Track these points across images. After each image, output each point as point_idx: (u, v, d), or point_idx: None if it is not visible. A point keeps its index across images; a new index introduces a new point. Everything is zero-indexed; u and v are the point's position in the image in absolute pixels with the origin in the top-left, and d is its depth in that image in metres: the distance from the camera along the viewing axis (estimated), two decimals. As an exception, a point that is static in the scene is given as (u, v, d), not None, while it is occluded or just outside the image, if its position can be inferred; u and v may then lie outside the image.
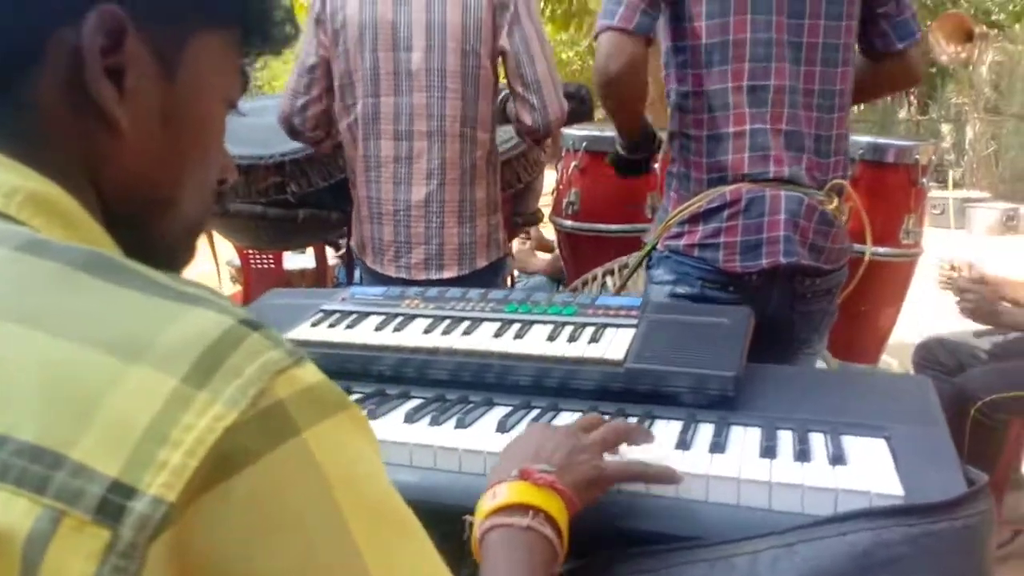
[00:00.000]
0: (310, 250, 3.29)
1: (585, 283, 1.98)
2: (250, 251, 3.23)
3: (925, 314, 2.38)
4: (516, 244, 3.22)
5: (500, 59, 1.72)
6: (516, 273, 3.04)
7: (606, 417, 0.86)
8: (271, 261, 3.21)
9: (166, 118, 0.50)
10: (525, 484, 0.67)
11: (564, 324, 1.05)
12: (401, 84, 1.70)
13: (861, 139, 2.09)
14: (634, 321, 1.03)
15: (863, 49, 1.51)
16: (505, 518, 0.66)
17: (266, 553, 0.37)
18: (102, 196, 0.49)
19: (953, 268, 2.07)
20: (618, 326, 1.03)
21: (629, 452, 0.80)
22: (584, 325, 1.04)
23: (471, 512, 0.80)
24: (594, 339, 1.00)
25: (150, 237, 0.53)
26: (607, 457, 0.77)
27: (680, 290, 1.45)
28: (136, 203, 0.51)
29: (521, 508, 0.66)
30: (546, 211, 2.65)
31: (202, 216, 0.56)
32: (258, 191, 2.36)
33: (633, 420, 0.90)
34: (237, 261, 3.38)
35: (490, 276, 1.82)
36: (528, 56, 1.68)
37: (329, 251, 3.23)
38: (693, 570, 0.70)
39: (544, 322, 1.06)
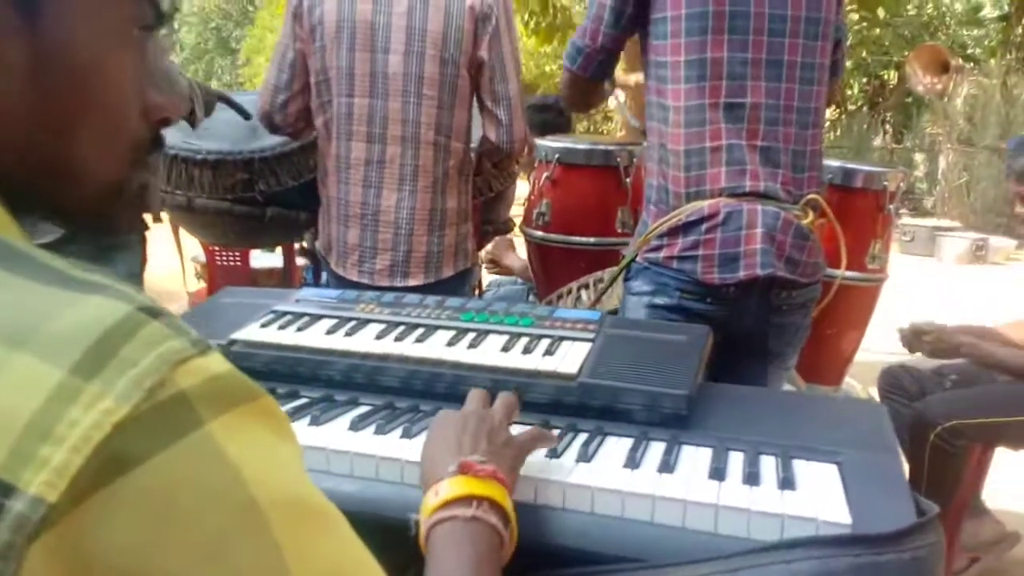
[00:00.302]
0: (279, 249, 3.24)
1: (560, 296, 1.97)
2: (216, 248, 3.18)
3: (889, 339, 2.39)
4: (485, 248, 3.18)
5: (479, 68, 1.71)
6: (485, 282, 3.02)
7: (581, 437, 0.88)
8: (238, 259, 3.17)
9: (36, 72, 0.44)
10: (467, 477, 0.67)
11: (520, 335, 1.02)
12: (377, 86, 1.68)
13: (831, 163, 2.09)
14: (591, 335, 1.01)
15: None
16: (449, 511, 0.64)
17: (168, 554, 0.34)
18: None
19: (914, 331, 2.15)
20: (575, 339, 1.01)
21: (577, 472, 0.78)
22: (540, 337, 1.02)
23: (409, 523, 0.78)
24: (549, 351, 0.98)
25: (63, 208, 0.49)
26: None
27: (658, 301, 1.46)
28: (28, 174, 0.45)
29: (465, 500, 0.65)
30: (518, 221, 2.63)
31: (123, 173, 0.50)
32: (225, 187, 2.32)
33: (584, 436, 0.88)
34: (203, 257, 3.33)
35: (456, 285, 1.80)
36: (503, 73, 1.68)
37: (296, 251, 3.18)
38: (633, 593, 0.68)
39: (500, 332, 1.04)
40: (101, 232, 0.53)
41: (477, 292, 2.68)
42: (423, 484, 0.70)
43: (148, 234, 1.90)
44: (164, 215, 2.56)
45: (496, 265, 2.88)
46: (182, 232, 2.84)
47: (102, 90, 0.47)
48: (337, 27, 1.66)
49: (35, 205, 0.48)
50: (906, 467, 2.18)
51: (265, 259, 3.38)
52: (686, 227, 1.43)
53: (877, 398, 2.42)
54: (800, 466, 0.82)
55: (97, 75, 0.47)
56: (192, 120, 1.83)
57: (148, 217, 1.88)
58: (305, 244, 2.68)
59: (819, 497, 0.75)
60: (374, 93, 1.68)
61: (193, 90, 1.80)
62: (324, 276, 2.01)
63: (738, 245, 1.41)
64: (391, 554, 0.78)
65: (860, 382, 2.67)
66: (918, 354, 2.25)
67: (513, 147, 1.77)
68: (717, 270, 1.42)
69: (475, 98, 1.78)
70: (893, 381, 2.37)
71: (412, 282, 1.73)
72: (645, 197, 1.54)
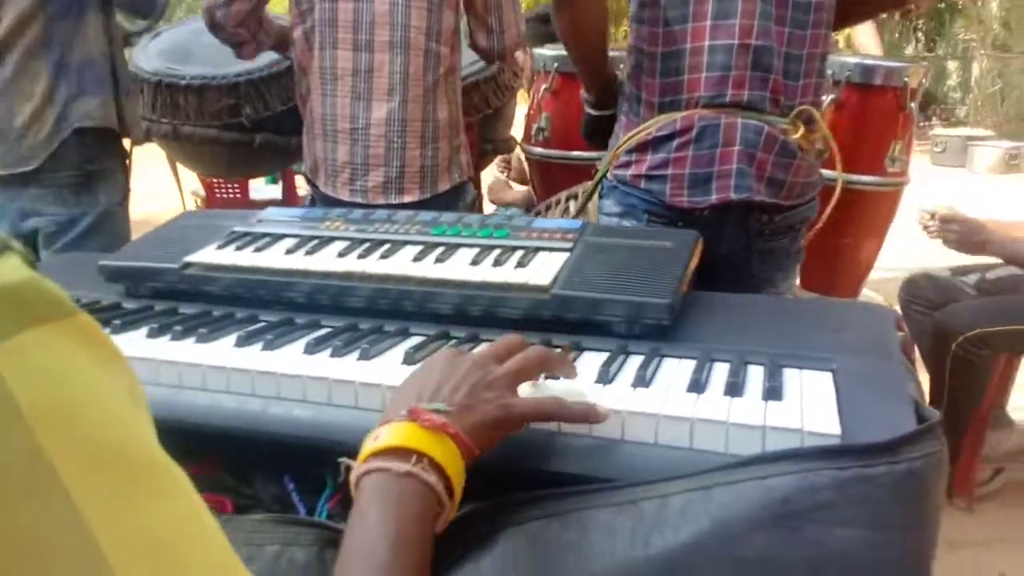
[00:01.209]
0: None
1: (548, 207, 1.88)
2: (215, 181, 3.12)
3: (913, 247, 2.28)
4: (493, 174, 3.10)
5: None
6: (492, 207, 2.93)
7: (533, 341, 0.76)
8: (237, 191, 3.11)
9: None
10: (412, 425, 0.59)
11: (492, 248, 0.95)
12: None
13: (849, 60, 1.96)
14: (569, 245, 0.93)
15: None
16: (383, 462, 0.57)
17: None
18: None
19: (933, 216, 1.98)
20: (551, 250, 0.93)
21: (546, 386, 0.72)
22: (514, 249, 0.94)
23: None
24: (521, 263, 0.90)
25: None
26: (523, 390, 0.68)
27: (627, 223, 1.35)
28: None
29: (403, 452, 0.57)
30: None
31: None
32: (211, 113, 2.24)
33: (557, 352, 0.81)
34: (204, 191, 3.27)
35: (452, 200, 1.71)
36: None
37: (299, 180, 3.12)
38: (599, 514, 0.62)
39: (472, 246, 0.96)
40: None
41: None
42: (381, 419, 0.62)
43: (130, 163, 1.84)
44: (157, 148, 2.50)
45: (500, 204, 2.81)
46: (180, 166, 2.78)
47: None
48: None
49: None
50: (926, 380, 2.11)
51: (265, 190, 3.33)
52: (655, 142, 1.30)
53: (899, 311, 2.33)
54: (790, 375, 0.75)
55: None
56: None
57: (127, 144, 1.82)
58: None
59: (807, 407, 0.68)
60: None
61: None
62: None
63: (712, 164, 1.27)
64: (345, 481, 0.73)
65: (880, 293, 2.58)
66: (938, 264, 2.15)
67: (505, 52, 1.67)
68: (687, 192, 1.29)
69: (464, 2, 1.66)
70: (914, 290, 2.27)
71: (407, 198, 1.65)
72: (618, 107, 1.42)
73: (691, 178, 1.28)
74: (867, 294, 2.40)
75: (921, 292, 2.28)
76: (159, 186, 2.96)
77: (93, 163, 1.70)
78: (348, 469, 0.60)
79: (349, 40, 1.60)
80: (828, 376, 0.75)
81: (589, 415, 0.66)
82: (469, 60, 2.11)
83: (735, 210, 1.30)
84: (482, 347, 0.70)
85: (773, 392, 0.70)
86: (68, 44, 1.64)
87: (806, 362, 0.77)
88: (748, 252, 1.35)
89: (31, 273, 0.32)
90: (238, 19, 1.67)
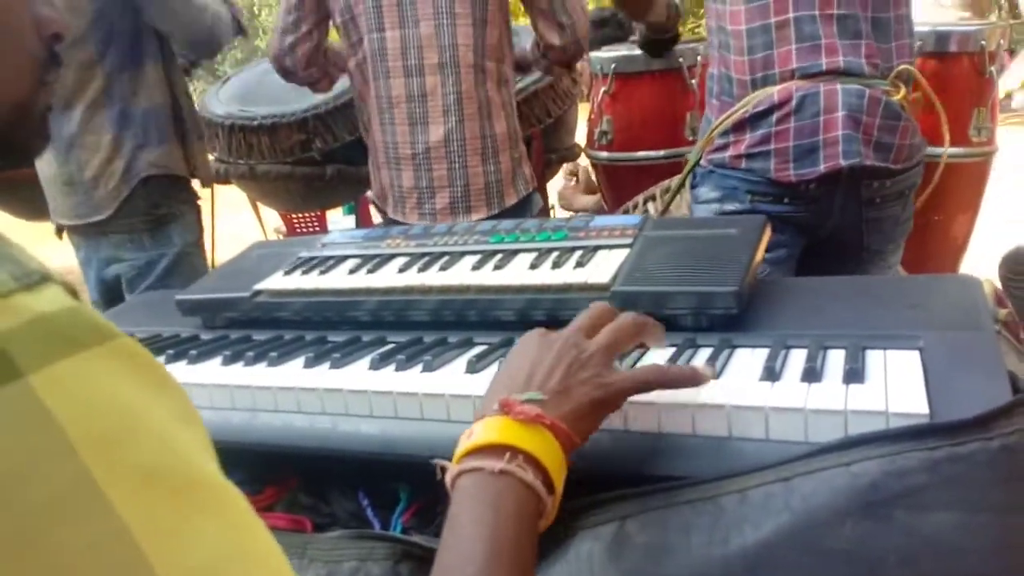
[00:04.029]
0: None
1: (626, 212, 1.85)
2: (294, 216, 3.22)
3: (1008, 221, 2.15)
4: (561, 181, 3.08)
5: None
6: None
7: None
8: (315, 224, 3.20)
9: None
10: (505, 420, 0.56)
11: (551, 250, 0.94)
12: (405, 14, 1.59)
13: (920, 28, 1.85)
14: (629, 240, 0.91)
15: None
16: (477, 461, 0.54)
17: None
18: None
19: None
20: (611, 247, 0.91)
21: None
22: (573, 249, 0.93)
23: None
24: (580, 263, 0.89)
25: None
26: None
27: (729, 207, 1.31)
28: None
29: (497, 449, 0.54)
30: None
31: (27, 92, 0.46)
32: (283, 150, 2.32)
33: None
34: (285, 227, 3.38)
35: (520, 213, 1.71)
36: None
37: (372, 209, 3.18)
38: (674, 514, 0.59)
39: (530, 250, 0.95)
40: (9, 159, 0.48)
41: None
42: (475, 415, 0.60)
43: (201, 204, 1.91)
44: (239, 191, 2.60)
45: (570, 210, 2.79)
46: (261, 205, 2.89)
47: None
48: None
49: None
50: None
51: (343, 221, 3.41)
52: (753, 119, 1.26)
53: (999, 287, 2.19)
54: (873, 357, 0.71)
55: None
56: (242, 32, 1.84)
57: (197, 187, 1.89)
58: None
59: (892, 388, 0.63)
60: (403, 22, 1.59)
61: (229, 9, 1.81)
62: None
63: (816, 134, 1.23)
64: (419, 495, 0.73)
65: (981, 271, 2.43)
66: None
67: (581, 44, 1.64)
68: (793, 166, 1.25)
69: (526, 7, 1.66)
70: (1014, 266, 2.12)
71: (476, 216, 1.66)
72: (707, 91, 1.39)
73: (796, 150, 1.24)
74: (965, 273, 2.26)
75: (1021, 267, 2.13)
76: (244, 228, 3.08)
77: (162, 207, 1.78)
78: (444, 470, 0.57)
79: (400, 67, 1.62)
80: (915, 354, 0.70)
81: (694, 377, 0.62)
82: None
83: (845, 179, 1.26)
84: (576, 320, 0.66)
85: (854, 375, 0.66)
86: (130, 95, 1.72)
87: (890, 342, 0.73)
88: (859, 223, 1.31)
89: (71, 302, 0.33)
90: (306, 60, 1.72)
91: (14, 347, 0.30)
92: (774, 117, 1.25)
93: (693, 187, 1.40)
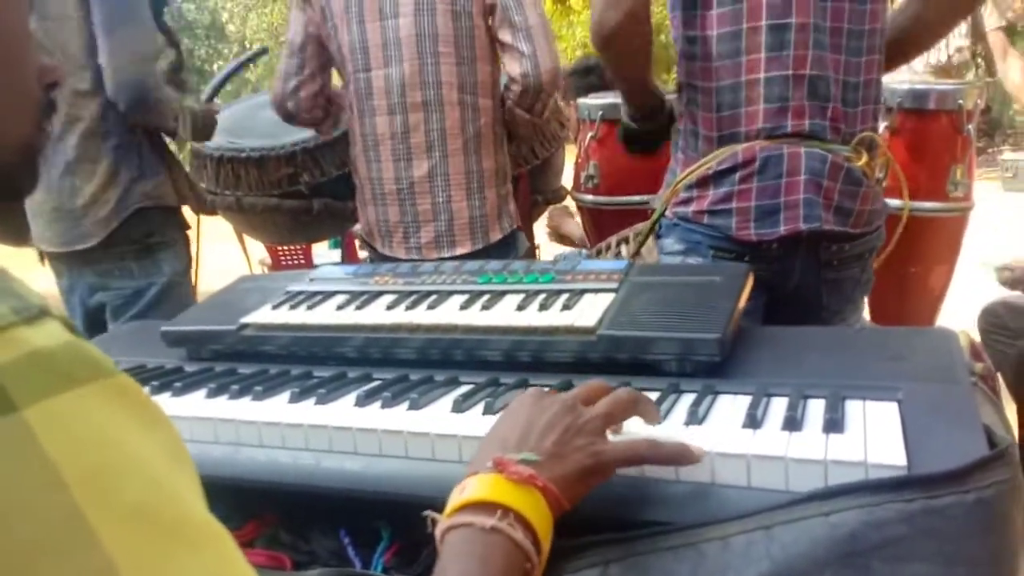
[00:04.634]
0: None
1: (599, 252, 1.87)
2: (280, 249, 3.22)
3: (986, 275, 2.19)
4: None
5: (491, 11, 1.61)
6: (550, 256, 2.93)
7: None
8: (301, 257, 3.20)
9: None
10: (498, 477, 0.56)
11: (538, 292, 0.95)
12: (390, 54, 1.62)
13: (899, 86, 1.92)
14: (615, 285, 0.93)
15: None
16: (468, 516, 0.55)
17: None
18: None
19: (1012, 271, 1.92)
20: (597, 291, 0.92)
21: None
22: (560, 292, 0.94)
23: (420, 501, 0.72)
24: (567, 306, 0.90)
25: None
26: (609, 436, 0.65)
27: (692, 261, 1.33)
28: None
29: (489, 506, 0.55)
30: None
31: (29, 134, 0.48)
32: (271, 183, 2.33)
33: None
34: (270, 259, 3.38)
35: (505, 251, 1.73)
36: (517, 2, 1.57)
37: (358, 243, 3.19)
38: (656, 560, 0.60)
39: (518, 291, 0.96)
40: (7, 196, 0.49)
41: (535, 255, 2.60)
42: (468, 468, 0.61)
43: (191, 234, 1.91)
44: (224, 224, 2.60)
45: (556, 234, 2.80)
46: (246, 237, 2.88)
47: (8, 49, 0.46)
48: (345, 3, 1.62)
49: None
50: (1012, 412, 1.99)
51: (328, 255, 3.41)
52: (717, 176, 1.28)
53: (978, 340, 2.22)
54: (853, 407, 0.72)
55: (3, 34, 0.45)
56: (174, 136, 1.84)
57: (188, 216, 1.90)
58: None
59: (871, 439, 0.65)
60: (388, 62, 1.62)
61: (182, 112, 1.79)
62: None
63: (778, 196, 1.25)
64: (401, 534, 0.73)
65: (957, 324, 2.47)
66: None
67: (541, 80, 1.59)
68: (754, 225, 1.27)
69: (495, 39, 1.67)
70: (994, 319, 2.16)
71: (460, 250, 1.67)
72: (672, 143, 1.41)
73: (757, 210, 1.26)
74: (941, 324, 2.30)
75: (1000, 320, 2.17)
76: (228, 260, 3.08)
77: (155, 236, 1.78)
78: (434, 523, 0.58)
79: (384, 105, 1.64)
80: (893, 406, 0.71)
81: (683, 456, 0.63)
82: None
83: (804, 241, 1.27)
84: (574, 389, 0.68)
85: (834, 424, 0.67)
86: (126, 128, 1.72)
87: (869, 392, 0.74)
88: (818, 284, 1.32)
89: (70, 337, 0.33)
90: (310, 103, 1.74)
91: (10, 380, 0.30)
92: (737, 176, 1.27)
93: (659, 236, 1.41)
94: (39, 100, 0.49)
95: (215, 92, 2.22)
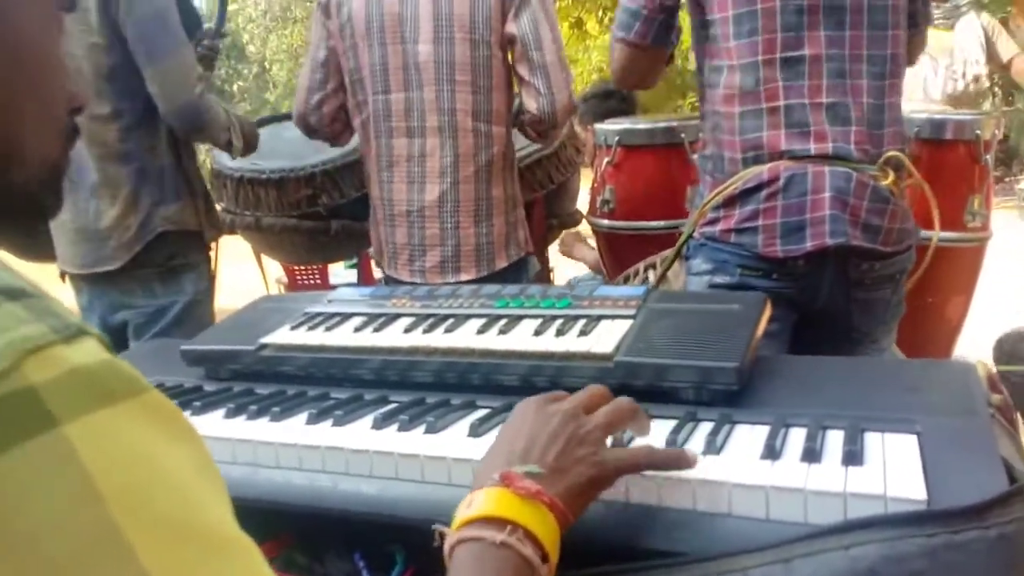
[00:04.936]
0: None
1: (627, 279, 1.88)
2: (296, 268, 3.25)
3: (1003, 304, 2.17)
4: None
5: (510, 43, 1.64)
6: (562, 280, 2.94)
7: None
8: (317, 276, 3.22)
9: None
10: (506, 492, 0.57)
11: (555, 318, 0.95)
12: (410, 78, 1.64)
13: (917, 116, 1.92)
14: (632, 312, 0.93)
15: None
16: (477, 531, 0.55)
17: None
18: None
19: None
20: (614, 317, 0.93)
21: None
22: (577, 318, 0.94)
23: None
24: (584, 332, 0.90)
25: (4, 191, 0.47)
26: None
27: (719, 279, 1.34)
28: None
29: (498, 521, 0.55)
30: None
31: (58, 157, 0.49)
32: (290, 204, 2.35)
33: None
34: (286, 278, 3.40)
35: (513, 276, 1.73)
36: (536, 39, 1.60)
37: (374, 264, 3.21)
38: (672, 592, 0.60)
39: (534, 316, 0.97)
40: (36, 213, 0.50)
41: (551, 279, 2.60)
42: (474, 481, 0.61)
43: (212, 254, 1.93)
44: (242, 242, 2.62)
45: (569, 256, 2.81)
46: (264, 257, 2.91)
47: (42, 71, 0.47)
48: (366, 23, 1.64)
49: None
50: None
51: (345, 275, 3.43)
52: (743, 195, 1.30)
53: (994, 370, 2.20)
54: (872, 439, 0.72)
55: (38, 56, 0.47)
56: (231, 149, 1.86)
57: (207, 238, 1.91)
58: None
59: (891, 472, 0.64)
60: (408, 86, 1.64)
61: (231, 122, 1.82)
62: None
63: (803, 212, 1.27)
64: (415, 558, 0.73)
65: (972, 354, 2.45)
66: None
67: (556, 116, 1.65)
68: (780, 241, 1.28)
69: (513, 71, 1.70)
70: (1009, 349, 2.14)
71: (465, 277, 1.68)
72: (699, 168, 1.43)
73: (783, 227, 1.27)
74: (958, 355, 2.28)
75: (1015, 351, 2.15)
76: (245, 279, 3.10)
77: (177, 258, 1.79)
78: (442, 536, 0.58)
79: (403, 128, 1.66)
80: (912, 439, 0.71)
81: (680, 460, 0.65)
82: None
83: (833, 258, 1.28)
84: (573, 397, 0.69)
85: (853, 457, 0.67)
86: (147, 152, 1.74)
87: (888, 425, 0.74)
88: (847, 303, 1.33)
89: (106, 355, 0.34)
90: (331, 117, 1.77)
91: (51, 397, 0.31)
92: (762, 194, 1.29)
93: (687, 258, 1.43)
94: (65, 125, 0.50)
95: (217, 30, 2.18)
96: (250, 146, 1.92)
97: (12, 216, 0.48)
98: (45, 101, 0.48)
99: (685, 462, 0.65)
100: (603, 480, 0.63)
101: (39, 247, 1.83)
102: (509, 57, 1.66)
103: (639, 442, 0.70)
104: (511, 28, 1.60)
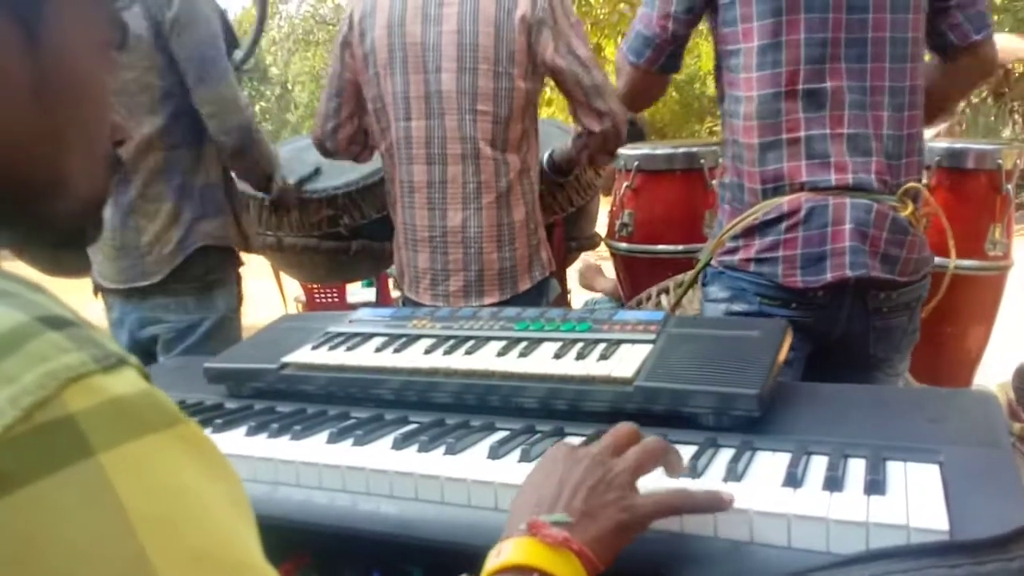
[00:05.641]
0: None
1: (640, 303, 1.88)
2: (314, 287, 3.27)
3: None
4: (580, 259, 3.11)
5: (555, 75, 1.66)
6: (579, 303, 2.94)
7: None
8: (335, 295, 3.24)
9: (38, 90, 0.44)
10: (533, 541, 0.57)
11: (575, 341, 0.96)
12: (432, 107, 1.66)
13: (938, 144, 1.92)
14: (652, 336, 0.93)
15: (932, 46, 1.38)
16: None
17: None
18: None
19: None
20: (634, 342, 0.93)
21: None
22: (597, 342, 0.95)
23: (455, 547, 0.72)
24: (604, 356, 0.90)
25: (46, 220, 0.48)
26: (641, 485, 0.65)
27: (737, 307, 1.34)
28: (20, 189, 0.45)
29: (526, 570, 0.55)
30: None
31: (102, 188, 0.50)
32: (312, 224, 2.37)
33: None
34: (304, 297, 3.43)
35: (535, 298, 1.74)
36: (583, 65, 1.63)
37: (391, 283, 3.23)
38: (692, 619, 0.60)
39: (554, 339, 0.97)
40: (78, 242, 0.52)
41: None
42: (507, 527, 0.61)
43: (243, 271, 1.96)
44: (261, 258, 2.65)
45: (589, 289, 2.82)
46: (282, 274, 2.93)
47: (92, 106, 0.49)
48: (389, 52, 1.66)
49: (22, 219, 0.48)
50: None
51: (362, 294, 3.44)
52: (763, 226, 1.30)
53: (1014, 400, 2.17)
54: (894, 468, 0.71)
55: (88, 91, 0.48)
56: (268, 186, 1.95)
57: (242, 255, 1.94)
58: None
59: (913, 502, 0.64)
60: (430, 114, 1.66)
61: (277, 160, 1.90)
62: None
63: (824, 244, 1.27)
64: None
65: (992, 383, 2.42)
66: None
67: (621, 129, 1.70)
68: (800, 272, 1.28)
69: (566, 100, 1.73)
70: (1032, 380, 2.12)
71: (488, 300, 1.69)
72: (719, 196, 1.43)
73: (804, 258, 1.28)
74: (978, 384, 2.26)
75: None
76: (263, 294, 3.13)
77: (213, 274, 1.83)
78: None
79: (423, 155, 1.68)
80: (934, 468, 0.71)
81: (715, 503, 0.64)
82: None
83: (852, 289, 1.29)
84: (602, 439, 0.68)
85: (875, 486, 0.67)
86: (189, 170, 1.79)
87: (910, 454, 0.73)
88: (866, 332, 1.33)
89: (145, 385, 0.35)
90: (347, 142, 1.80)
91: (89, 427, 0.32)
92: (783, 226, 1.29)
93: (704, 284, 1.43)
94: (110, 156, 0.52)
95: (249, 54, 2.22)
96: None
97: (55, 244, 0.50)
98: (92, 134, 0.49)
99: (720, 504, 0.64)
100: (634, 525, 0.62)
101: (72, 263, 1.85)
102: (526, 86, 1.68)
103: (673, 483, 0.69)
104: (556, 62, 1.62)
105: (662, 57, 1.43)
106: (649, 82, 1.50)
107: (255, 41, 2.11)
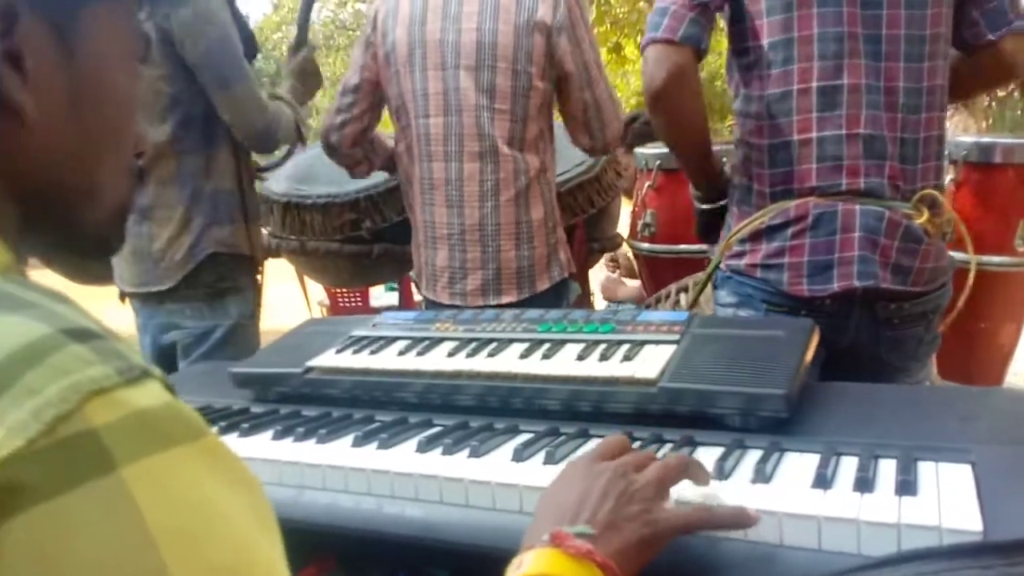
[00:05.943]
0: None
1: (659, 300, 1.87)
2: (338, 290, 3.29)
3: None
4: (604, 272, 3.12)
5: (562, 81, 1.66)
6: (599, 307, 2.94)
7: (665, 448, 0.75)
8: (358, 299, 3.26)
9: (73, 99, 0.46)
10: (556, 552, 0.56)
11: (598, 343, 0.95)
12: (450, 103, 1.66)
13: (965, 139, 1.89)
14: (676, 337, 0.92)
15: (953, 41, 1.35)
16: None
17: None
18: (14, 193, 0.45)
19: None
20: (658, 343, 0.92)
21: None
22: (620, 343, 0.94)
23: (480, 550, 0.72)
24: (628, 357, 0.90)
25: (75, 229, 0.49)
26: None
27: (744, 314, 1.31)
28: (52, 197, 0.47)
29: None
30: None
31: (126, 198, 0.52)
32: (334, 228, 2.38)
33: (669, 447, 0.79)
34: (328, 301, 3.45)
35: (553, 299, 1.73)
36: (588, 78, 1.63)
37: (415, 287, 3.24)
38: (721, 623, 0.59)
39: (577, 341, 0.97)
40: (102, 250, 0.53)
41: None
42: (524, 539, 0.61)
43: (260, 278, 1.97)
44: (286, 263, 2.67)
45: (611, 301, 2.83)
46: (307, 278, 2.96)
47: (122, 117, 0.50)
48: (409, 50, 1.67)
49: (55, 226, 0.49)
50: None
51: (385, 297, 3.46)
52: (769, 230, 1.27)
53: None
54: (925, 469, 0.70)
55: (119, 101, 0.50)
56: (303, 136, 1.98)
57: (266, 261, 1.96)
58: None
59: (945, 502, 0.63)
60: (448, 111, 1.66)
61: (296, 114, 1.92)
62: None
63: (831, 252, 1.23)
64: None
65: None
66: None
67: (608, 147, 1.72)
68: (807, 280, 1.25)
69: (561, 107, 1.73)
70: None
71: (506, 299, 1.68)
72: (728, 197, 1.41)
73: (810, 266, 1.25)
74: (1011, 382, 2.22)
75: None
76: (288, 299, 3.16)
77: (225, 281, 1.84)
78: None
79: (441, 152, 1.69)
80: (967, 468, 0.69)
81: (741, 519, 0.63)
82: (574, 162, 2.18)
83: (860, 299, 1.25)
84: (625, 456, 0.68)
85: (907, 487, 0.66)
86: (201, 177, 1.80)
87: (941, 454, 0.72)
88: (876, 342, 1.29)
89: (169, 398, 0.35)
90: (352, 140, 1.79)
91: (112, 440, 0.32)
92: (789, 231, 1.26)
93: (715, 288, 1.41)
94: (133, 167, 0.53)
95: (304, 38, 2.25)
96: (311, 92, 2.08)
97: (80, 253, 0.50)
98: (121, 144, 0.51)
99: (747, 520, 0.63)
100: (657, 540, 0.61)
101: (97, 271, 1.88)
102: (544, 86, 1.68)
103: (698, 496, 0.68)
104: (567, 67, 1.62)
105: (682, 24, 1.25)
106: (670, 54, 1.27)
107: (303, 27, 2.16)
